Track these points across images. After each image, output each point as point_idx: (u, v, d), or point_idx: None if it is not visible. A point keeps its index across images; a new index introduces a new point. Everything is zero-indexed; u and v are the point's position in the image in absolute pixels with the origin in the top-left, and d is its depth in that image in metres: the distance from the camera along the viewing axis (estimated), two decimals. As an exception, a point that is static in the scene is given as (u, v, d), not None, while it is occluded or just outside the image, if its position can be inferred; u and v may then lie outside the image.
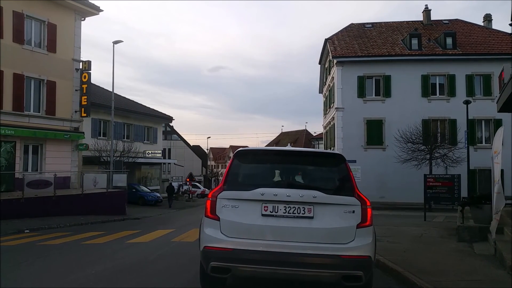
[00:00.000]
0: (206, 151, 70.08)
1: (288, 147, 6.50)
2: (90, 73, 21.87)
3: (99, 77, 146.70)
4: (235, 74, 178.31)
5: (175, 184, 42.79)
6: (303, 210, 4.41)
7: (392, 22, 32.20)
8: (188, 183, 39.19)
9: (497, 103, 9.83)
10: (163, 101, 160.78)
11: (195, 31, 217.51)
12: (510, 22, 10.00)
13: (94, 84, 27.09)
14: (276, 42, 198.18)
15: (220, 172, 75.23)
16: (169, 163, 47.42)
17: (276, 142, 72.27)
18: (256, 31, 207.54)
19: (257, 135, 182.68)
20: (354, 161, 21.28)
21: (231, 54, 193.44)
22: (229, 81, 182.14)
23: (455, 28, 29.34)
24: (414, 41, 27.65)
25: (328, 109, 31.93)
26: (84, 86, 21.73)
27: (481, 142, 26.25)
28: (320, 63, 35.40)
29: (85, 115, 21.89)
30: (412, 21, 31.92)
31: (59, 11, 20.82)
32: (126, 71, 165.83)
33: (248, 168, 4.96)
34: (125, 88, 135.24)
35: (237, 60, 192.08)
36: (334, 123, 28.20)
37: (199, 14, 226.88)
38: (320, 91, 38.14)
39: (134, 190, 27.51)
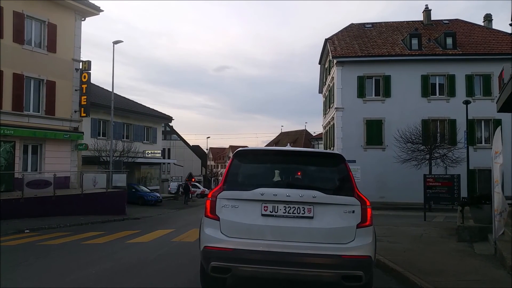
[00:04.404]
0: (205, 151, 70.09)
1: (288, 147, 6.50)
2: (90, 73, 21.87)
3: (101, 76, 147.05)
4: (237, 73, 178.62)
5: (174, 184, 42.96)
6: (303, 210, 4.41)
7: (392, 22, 32.21)
8: (187, 182, 39.18)
9: (497, 103, 9.84)
10: (165, 101, 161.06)
11: (198, 31, 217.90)
12: (510, 22, 10.01)
13: (94, 84, 27.09)
14: (279, 42, 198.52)
15: (219, 172, 75.25)
16: (169, 163, 47.40)
17: (275, 142, 72.25)
18: (259, 30, 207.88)
19: (256, 135, 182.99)
20: (354, 161, 21.28)
21: (234, 54, 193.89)
22: (231, 81, 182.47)
23: (455, 28, 29.34)
24: (414, 41, 27.65)
25: (328, 109, 31.94)
26: (84, 86, 21.72)
27: (481, 142, 26.26)
28: (320, 63, 35.40)
29: (84, 115, 21.88)
30: (412, 21, 31.92)
31: (59, 11, 20.80)
32: (128, 71, 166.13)
33: (248, 168, 4.96)
34: (126, 88, 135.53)
35: (239, 60, 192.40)
36: (333, 123, 28.20)
37: (202, 14, 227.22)
38: (320, 91, 38.15)
39: (133, 190, 27.48)
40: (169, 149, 51.63)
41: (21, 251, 9.50)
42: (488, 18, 31.63)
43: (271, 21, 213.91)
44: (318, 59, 34.83)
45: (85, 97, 21.68)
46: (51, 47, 20.37)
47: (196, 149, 63.41)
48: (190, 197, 36.65)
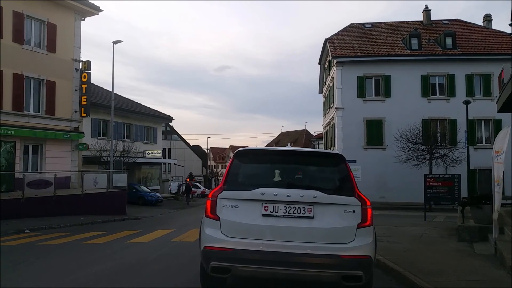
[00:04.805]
0: (206, 151, 70.11)
1: (288, 147, 6.49)
2: (89, 73, 21.87)
3: (102, 76, 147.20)
4: (237, 73, 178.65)
5: (175, 184, 42.97)
6: (303, 210, 4.41)
7: (392, 22, 32.21)
8: (188, 182, 39.23)
9: (497, 103, 9.84)
10: (165, 101, 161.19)
11: (198, 30, 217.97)
12: (510, 22, 10.02)
13: (94, 84, 27.11)
14: (279, 42, 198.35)
15: (220, 172, 75.28)
16: (169, 163, 47.40)
17: (276, 142, 72.28)
18: (259, 30, 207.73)
19: (257, 135, 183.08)
20: (354, 161, 21.30)
21: (234, 54, 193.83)
22: (231, 81, 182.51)
23: (455, 28, 29.34)
24: (414, 41, 27.65)
25: (328, 109, 31.94)
26: (84, 86, 21.73)
27: (481, 142, 26.26)
28: (320, 63, 35.40)
29: (85, 115, 21.89)
30: (412, 21, 31.92)
31: (59, 11, 20.81)
32: (128, 71, 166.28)
33: (248, 168, 4.96)
34: (127, 88, 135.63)
35: (240, 60, 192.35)
36: (334, 123, 28.20)
37: (202, 14, 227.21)
38: (320, 91, 38.15)
39: (134, 190, 27.48)
40: (169, 149, 51.61)
41: (21, 251, 9.51)
42: (488, 18, 31.62)
43: (272, 21, 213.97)
44: (318, 59, 34.82)
45: (85, 97, 21.69)
46: (51, 47, 20.37)
47: (197, 149, 63.42)
48: (191, 197, 36.71)
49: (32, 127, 19.22)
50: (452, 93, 26.54)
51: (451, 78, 26.63)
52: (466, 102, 20.28)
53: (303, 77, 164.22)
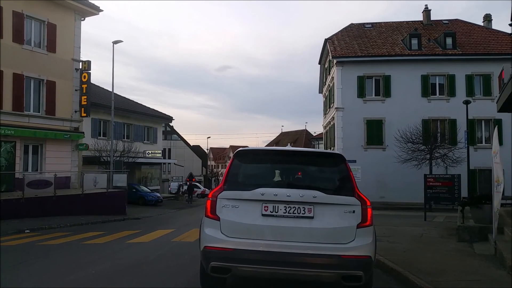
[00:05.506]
0: (206, 151, 70.09)
1: (288, 147, 6.50)
2: (90, 73, 21.88)
3: (102, 76, 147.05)
4: (238, 73, 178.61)
5: (175, 184, 42.96)
6: (303, 210, 4.41)
7: (392, 22, 32.21)
8: (188, 182, 39.22)
9: (497, 103, 9.85)
10: (166, 101, 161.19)
11: (199, 30, 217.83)
12: (510, 22, 10.02)
13: (94, 84, 27.11)
14: (279, 42, 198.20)
15: (220, 172, 75.30)
16: (169, 163, 47.40)
17: (276, 142, 72.28)
18: (260, 30, 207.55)
19: (257, 135, 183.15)
20: (354, 161, 21.27)
21: (234, 54, 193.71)
22: (232, 81, 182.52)
23: (455, 28, 29.34)
24: (414, 41, 27.65)
25: (328, 109, 31.94)
26: (84, 86, 21.73)
27: (481, 142, 26.26)
28: (320, 63, 35.40)
29: (85, 115, 21.89)
30: (412, 21, 31.92)
31: (59, 11, 20.82)
32: (129, 71, 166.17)
33: (248, 168, 4.96)
34: (127, 88, 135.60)
35: (240, 60, 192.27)
36: (334, 123, 28.21)
37: (203, 14, 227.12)
38: (320, 91, 38.15)
39: (134, 190, 27.49)
40: (169, 149, 51.61)
41: (21, 251, 9.51)
42: (488, 18, 31.62)
43: (272, 21, 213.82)
44: (318, 59, 34.82)
45: (85, 97, 21.70)
46: (51, 47, 20.37)
47: (197, 149, 63.39)
48: (191, 197, 36.67)
49: (32, 127, 19.23)
50: (452, 93, 26.54)
51: (451, 78, 26.63)
52: (466, 102, 20.28)
53: (303, 77, 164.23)
